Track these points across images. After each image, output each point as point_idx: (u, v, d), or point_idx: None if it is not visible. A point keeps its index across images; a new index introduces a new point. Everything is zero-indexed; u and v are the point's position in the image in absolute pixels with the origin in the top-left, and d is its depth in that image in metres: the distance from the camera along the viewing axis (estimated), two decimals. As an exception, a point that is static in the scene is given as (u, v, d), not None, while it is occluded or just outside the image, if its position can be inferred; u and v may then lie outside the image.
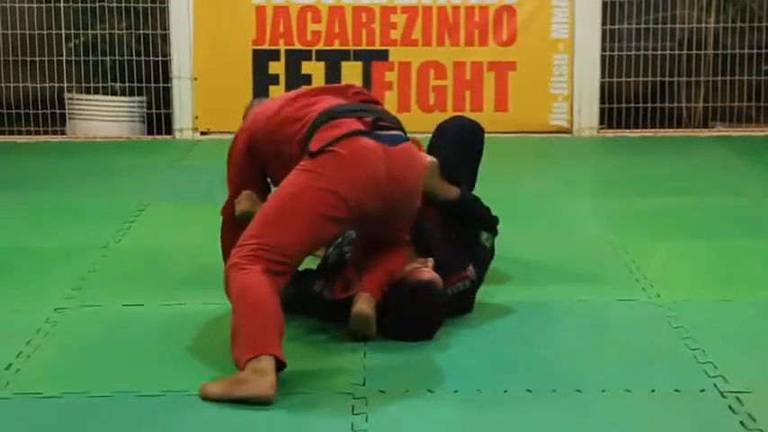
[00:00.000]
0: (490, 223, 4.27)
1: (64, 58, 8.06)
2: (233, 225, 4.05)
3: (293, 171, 3.74)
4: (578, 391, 3.49)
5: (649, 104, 7.95)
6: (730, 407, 3.35)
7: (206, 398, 3.41)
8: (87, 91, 8.11)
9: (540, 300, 4.32)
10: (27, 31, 8.01)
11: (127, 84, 8.08)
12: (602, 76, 7.88)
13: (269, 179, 4.13)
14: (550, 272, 4.30)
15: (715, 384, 3.51)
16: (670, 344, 3.88)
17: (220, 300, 4.33)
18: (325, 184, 3.65)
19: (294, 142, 3.84)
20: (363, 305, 3.82)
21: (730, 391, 3.45)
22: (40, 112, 8.08)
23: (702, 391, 3.48)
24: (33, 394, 3.47)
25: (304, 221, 3.66)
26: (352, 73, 7.82)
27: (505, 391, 3.49)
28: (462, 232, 4.23)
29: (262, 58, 8.02)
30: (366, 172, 3.68)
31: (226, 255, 3.92)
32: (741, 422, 3.25)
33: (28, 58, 8.06)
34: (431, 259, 3.96)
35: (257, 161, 4.05)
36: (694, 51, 7.91)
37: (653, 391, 3.48)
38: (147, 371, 3.67)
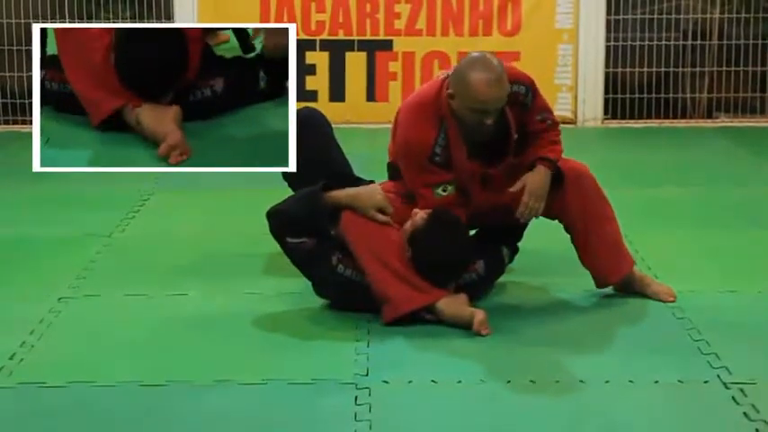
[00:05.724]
0: (514, 243, 4.27)
1: (68, 48, 8.04)
2: None
3: None
4: (582, 381, 3.49)
5: (654, 95, 7.92)
6: (734, 398, 3.35)
7: None
8: (92, 80, 8.08)
9: (543, 290, 4.32)
10: (31, 21, 7.99)
11: (131, 73, 8.05)
12: (607, 66, 7.86)
13: None
14: (554, 263, 4.28)
15: (718, 375, 3.50)
16: (674, 335, 3.87)
17: (224, 289, 4.34)
18: None
19: None
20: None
21: (734, 383, 3.45)
22: (44, 101, 8.06)
23: (706, 382, 3.48)
24: (37, 384, 3.48)
25: None
26: (356, 63, 7.81)
27: (509, 382, 3.49)
28: (486, 238, 4.22)
29: (266, 48, 7.99)
30: None
31: None
32: (744, 413, 3.25)
33: (32, 48, 8.03)
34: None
35: None
36: (699, 42, 7.88)
37: (656, 382, 3.48)
38: (151, 361, 3.68)
